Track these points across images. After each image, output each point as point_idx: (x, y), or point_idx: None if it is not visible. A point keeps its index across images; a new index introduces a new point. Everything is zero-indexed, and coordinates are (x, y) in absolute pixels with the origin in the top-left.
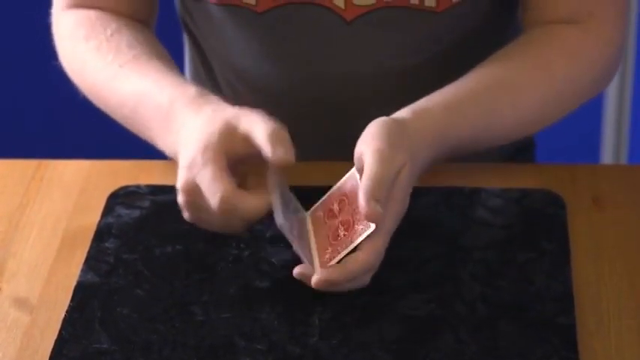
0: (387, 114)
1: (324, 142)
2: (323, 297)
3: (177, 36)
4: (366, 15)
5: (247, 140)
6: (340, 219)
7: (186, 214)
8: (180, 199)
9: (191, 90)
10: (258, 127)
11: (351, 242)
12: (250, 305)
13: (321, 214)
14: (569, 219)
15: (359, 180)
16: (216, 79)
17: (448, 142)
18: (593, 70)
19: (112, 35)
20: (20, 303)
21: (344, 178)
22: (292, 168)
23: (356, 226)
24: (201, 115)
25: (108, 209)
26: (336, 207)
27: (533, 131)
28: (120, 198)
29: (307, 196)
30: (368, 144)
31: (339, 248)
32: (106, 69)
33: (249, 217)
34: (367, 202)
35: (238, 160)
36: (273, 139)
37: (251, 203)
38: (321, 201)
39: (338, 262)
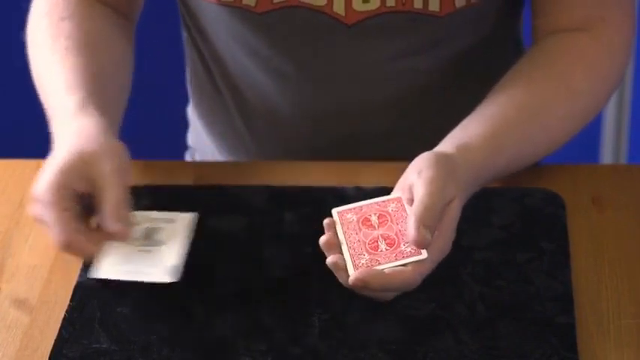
0: (390, 117)
1: (324, 143)
2: (323, 297)
3: (178, 35)
4: (367, 20)
5: (91, 185)
6: (381, 232)
7: None
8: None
9: (73, 99)
10: (108, 194)
11: (396, 260)
12: (250, 305)
13: (354, 218)
14: (568, 219)
15: (406, 205)
16: (215, 79)
17: (487, 175)
18: (610, 78)
19: (62, 20)
20: (20, 303)
21: (386, 198)
22: (290, 168)
23: (402, 246)
24: (66, 133)
25: None
26: (375, 219)
27: (560, 146)
28: None
29: (306, 195)
30: (420, 175)
31: (379, 259)
32: (42, 53)
33: (86, 257)
34: (417, 229)
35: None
36: (116, 212)
37: (87, 249)
38: (351, 206)
39: None
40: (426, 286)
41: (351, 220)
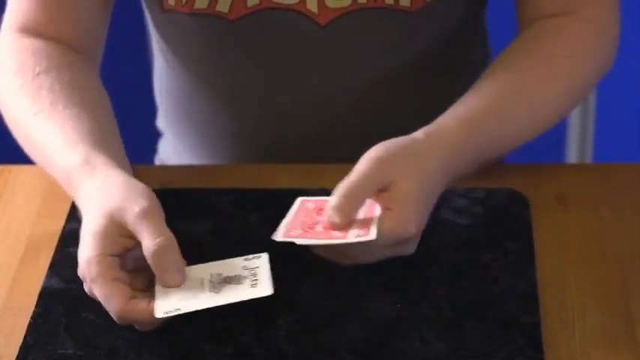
0: (367, 117)
1: (304, 146)
2: (289, 299)
3: (142, 45)
4: (340, 18)
5: (133, 238)
6: (324, 220)
7: None
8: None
9: (78, 155)
10: (145, 241)
11: (344, 238)
12: (217, 309)
13: (312, 206)
14: (533, 218)
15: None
16: (186, 91)
17: (465, 156)
18: (595, 56)
19: (37, 75)
20: None
21: None
22: (255, 171)
23: (351, 230)
24: (88, 195)
25: (72, 214)
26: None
27: (549, 128)
28: None
29: (271, 198)
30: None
31: (309, 235)
32: (23, 114)
33: (148, 326)
34: (326, 212)
35: (128, 250)
36: (160, 261)
37: (146, 316)
38: (317, 198)
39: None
40: (391, 288)
41: (308, 207)
